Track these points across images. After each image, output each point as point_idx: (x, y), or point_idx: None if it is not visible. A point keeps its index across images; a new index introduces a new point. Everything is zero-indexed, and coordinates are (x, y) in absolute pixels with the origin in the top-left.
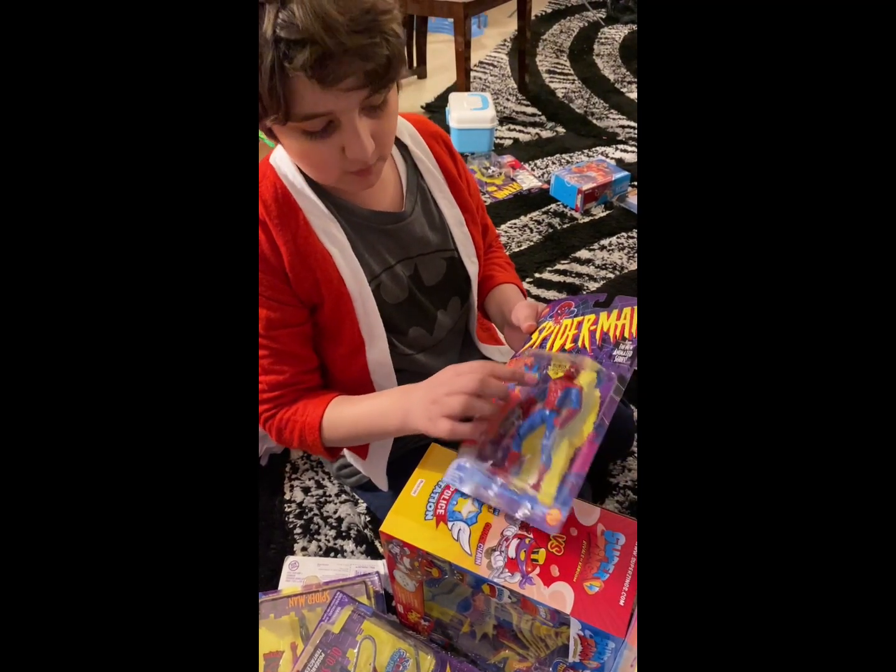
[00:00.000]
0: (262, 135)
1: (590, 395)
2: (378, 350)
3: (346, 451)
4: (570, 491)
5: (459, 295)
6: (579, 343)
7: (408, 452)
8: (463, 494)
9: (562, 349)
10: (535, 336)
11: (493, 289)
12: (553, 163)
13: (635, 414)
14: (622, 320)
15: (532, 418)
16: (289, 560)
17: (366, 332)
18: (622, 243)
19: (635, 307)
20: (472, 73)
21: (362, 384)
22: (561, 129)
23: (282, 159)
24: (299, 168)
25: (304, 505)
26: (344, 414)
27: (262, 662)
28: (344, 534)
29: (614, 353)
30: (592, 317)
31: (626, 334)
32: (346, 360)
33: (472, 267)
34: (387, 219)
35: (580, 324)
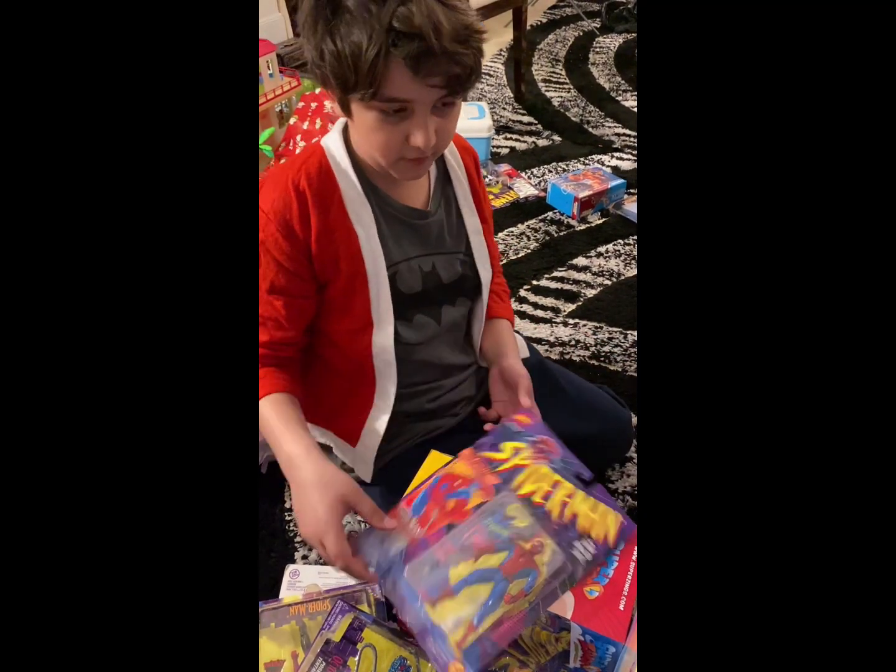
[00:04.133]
0: (263, 146)
1: (540, 577)
2: (384, 334)
3: (333, 441)
4: (482, 654)
5: (469, 297)
6: (548, 505)
7: (404, 451)
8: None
9: (529, 498)
10: (507, 452)
11: (489, 320)
12: (549, 171)
13: (634, 420)
14: (596, 515)
15: (485, 572)
16: (289, 568)
17: (375, 314)
18: (619, 250)
19: (615, 514)
20: None
21: (364, 364)
22: (557, 138)
23: (332, 142)
24: (349, 152)
25: None
26: (264, 413)
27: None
28: None
29: (575, 543)
30: (571, 488)
31: (595, 535)
32: (353, 336)
33: (485, 273)
34: (414, 214)
35: (556, 484)
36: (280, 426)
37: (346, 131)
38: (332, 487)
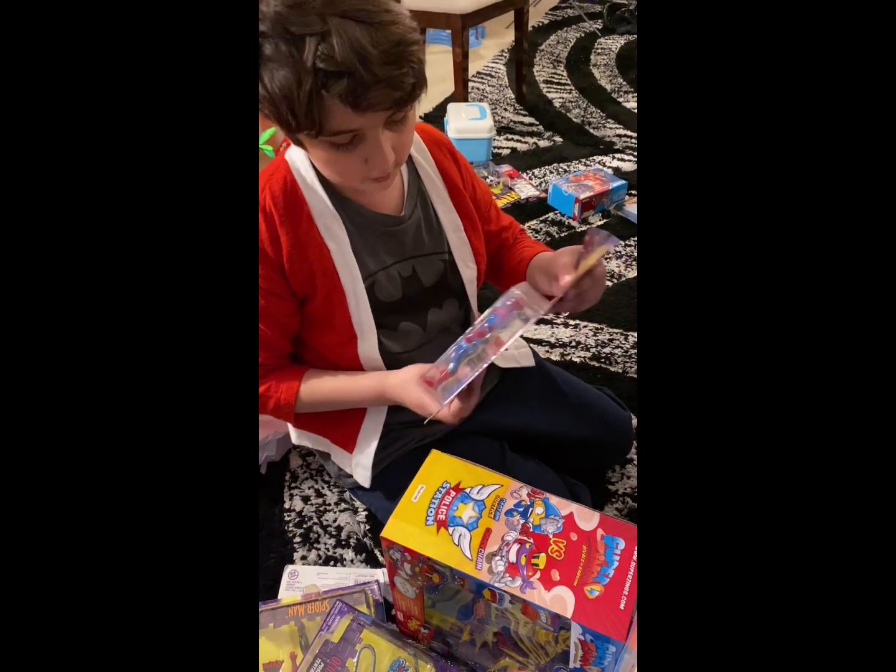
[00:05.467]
0: (264, 146)
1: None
2: (368, 345)
3: (330, 448)
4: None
5: (456, 297)
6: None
7: (406, 454)
8: (464, 500)
9: None
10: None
11: (528, 266)
12: (550, 172)
13: (634, 421)
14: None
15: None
16: (288, 569)
17: (357, 326)
18: (619, 251)
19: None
20: (470, 84)
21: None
22: (558, 139)
23: (297, 155)
24: (314, 165)
25: (303, 514)
26: (320, 388)
27: None
28: (343, 542)
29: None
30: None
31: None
32: (340, 347)
33: (468, 271)
34: (388, 221)
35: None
36: (340, 383)
37: None
38: (409, 380)
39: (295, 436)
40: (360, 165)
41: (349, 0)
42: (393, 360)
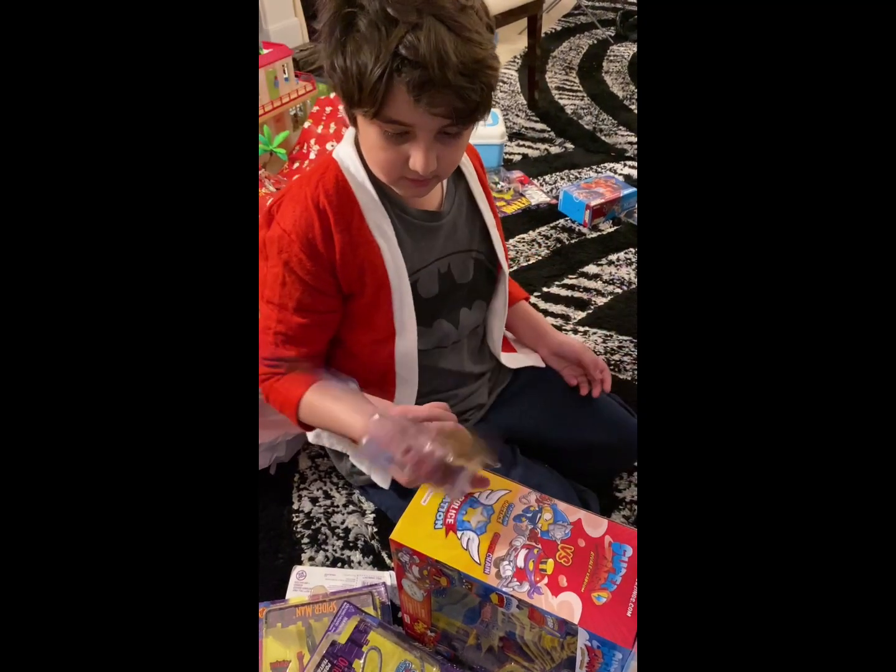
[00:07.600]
0: (277, 149)
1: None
2: (407, 341)
3: (349, 450)
4: None
5: (484, 298)
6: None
7: None
8: (472, 504)
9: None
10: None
11: (513, 304)
12: (561, 178)
13: None
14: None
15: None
16: (296, 570)
17: (398, 323)
18: (630, 258)
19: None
20: None
21: (386, 372)
22: (570, 146)
23: (346, 155)
24: (364, 164)
25: (311, 515)
26: (318, 405)
27: None
28: (351, 544)
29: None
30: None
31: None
32: (375, 346)
33: (506, 265)
34: (430, 217)
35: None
36: (331, 412)
37: (357, 143)
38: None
39: (312, 435)
40: (400, 161)
41: (449, 8)
42: (424, 357)
